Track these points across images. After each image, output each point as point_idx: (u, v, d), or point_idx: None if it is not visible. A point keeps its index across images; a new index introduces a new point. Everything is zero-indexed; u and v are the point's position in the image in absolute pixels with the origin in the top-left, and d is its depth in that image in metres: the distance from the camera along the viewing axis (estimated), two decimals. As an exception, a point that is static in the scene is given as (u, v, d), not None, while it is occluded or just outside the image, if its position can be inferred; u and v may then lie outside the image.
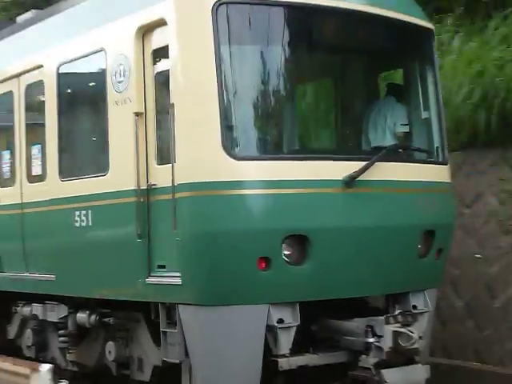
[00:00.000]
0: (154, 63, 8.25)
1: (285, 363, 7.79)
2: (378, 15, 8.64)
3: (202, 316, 7.77)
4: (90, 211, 8.95)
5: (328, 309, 8.30)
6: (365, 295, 8.35)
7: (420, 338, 8.58)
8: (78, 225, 9.13)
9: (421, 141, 9.23)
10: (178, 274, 7.86)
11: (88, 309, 9.36)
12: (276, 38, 8.10)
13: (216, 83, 7.57)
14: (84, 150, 9.68)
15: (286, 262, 7.73)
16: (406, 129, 9.23)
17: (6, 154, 10.78)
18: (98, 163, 8.93)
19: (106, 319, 9.13)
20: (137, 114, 8.26)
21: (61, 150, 9.55)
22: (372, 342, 7.89)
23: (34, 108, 10.24)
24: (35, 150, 10.11)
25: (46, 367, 9.03)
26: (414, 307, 8.76)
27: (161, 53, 8.11)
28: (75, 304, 9.59)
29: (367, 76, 9.58)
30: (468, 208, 11.52)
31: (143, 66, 8.31)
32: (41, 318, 10.25)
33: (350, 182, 7.91)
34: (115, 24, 8.65)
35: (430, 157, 9.15)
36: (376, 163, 8.09)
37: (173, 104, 7.80)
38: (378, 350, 7.86)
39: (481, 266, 10.94)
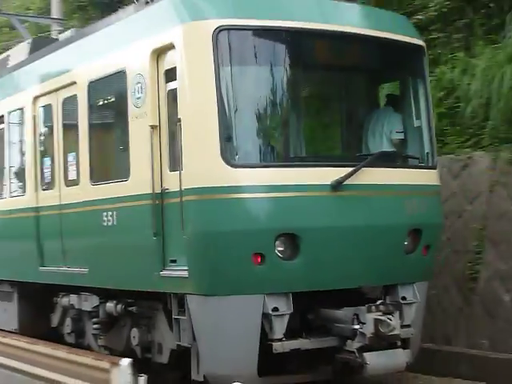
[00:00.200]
0: (167, 82, 9.31)
1: (279, 346, 8.81)
2: (371, 36, 9.62)
3: (206, 305, 8.84)
4: (115, 212, 10.10)
5: (327, 299, 9.30)
6: (352, 287, 9.25)
7: (409, 326, 9.61)
8: (105, 224, 10.28)
9: (413, 147, 10.14)
10: (185, 268, 8.94)
11: (115, 299, 10.52)
12: (271, 60, 9.18)
13: (216, 101, 8.64)
14: (110, 157, 10.83)
15: (279, 257, 8.76)
16: (401, 136, 10.18)
17: (48, 161, 11.99)
18: (121, 170, 10.05)
19: (130, 308, 10.27)
20: (152, 127, 9.35)
21: (91, 158, 10.72)
22: (357, 329, 8.86)
23: (70, 120, 11.42)
24: (71, 157, 11.28)
25: (126, 361, 8.88)
26: (404, 298, 9.66)
27: (171, 73, 9.18)
28: (105, 294, 10.74)
29: (360, 91, 10.56)
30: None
31: (157, 84, 9.40)
32: (77, 307, 11.44)
33: (337, 186, 8.89)
34: (134, 47, 9.76)
35: (418, 162, 10.05)
36: (364, 169, 9.07)
37: (180, 119, 8.90)
38: (361, 336, 8.83)
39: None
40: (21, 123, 12.72)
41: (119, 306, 10.37)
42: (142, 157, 9.50)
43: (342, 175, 8.90)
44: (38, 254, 12.09)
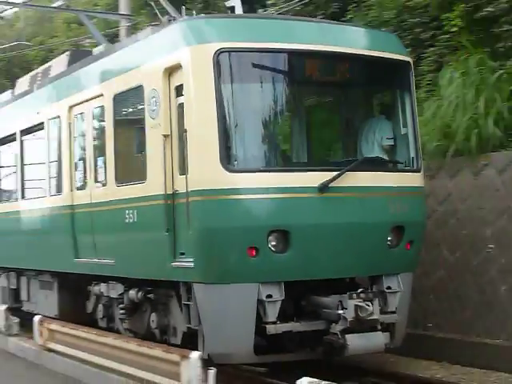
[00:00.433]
0: (177, 96, 10.60)
1: (272, 329, 10.07)
2: (361, 55, 10.85)
3: (209, 292, 10.13)
4: (135, 210, 11.45)
5: (322, 288, 10.52)
6: (337, 277, 10.45)
7: (393, 312, 10.80)
8: (127, 221, 11.63)
9: (400, 152, 11.30)
10: (191, 260, 10.25)
11: (137, 287, 11.87)
12: (265, 78, 10.49)
13: (216, 114, 9.92)
14: (131, 161, 12.16)
15: (272, 250, 10.01)
16: (392, 142, 11.35)
17: (81, 163, 13.39)
18: (140, 173, 11.38)
19: (149, 295, 11.62)
20: (165, 136, 10.65)
21: (116, 162, 12.10)
22: (340, 313, 10.08)
23: (98, 128, 12.80)
24: (100, 161, 12.68)
25: (195, 354, 9.09)
26: (389, 288, 10.84)
27: (180, 89, 10.49)
28: (129, 283, 12.10)
29: (349, 104, 11.76)
30: None
31: (169, 98, 10.70)
32: (106, 294, 12.83)
33: (323, 188, 10.12)
34: (150, 65, 11.09)
35: (404, 165, 11.22)
36: (348, 173, 10.28)
37: (186, 129, 10.21)
38: (344, 320, 10.04)
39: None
40: (58, 130, 14.12)
41: (140, 293, 11.72)
42: (157, 162, 10.81)
43: (328, 179, 10.11)
44: (74, 247, 13.44)
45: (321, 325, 10.35)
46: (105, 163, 12.45)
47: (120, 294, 12.32)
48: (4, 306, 14.96)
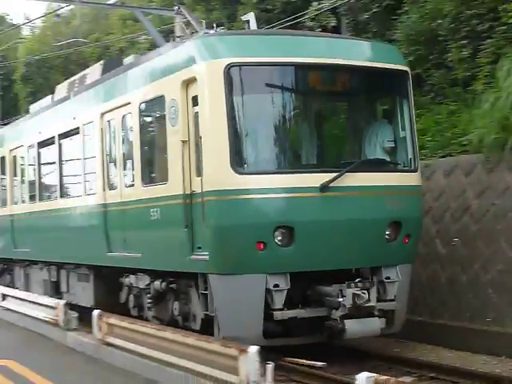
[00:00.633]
0: (193, 106, 11.76)
1: (279, 315, 11.20)
2: (360, 66, 11.94)
3: (222, 282, 11.29)
4: (158, 209, 12.64)
5: (328, 278, 11.60)
6: (338, 268, 11.52)
7: (392, 300, 11.85)
8: (152, 218, 12.82)
9: (399, 153, 12.34)
10: (207, 253, 11.42)
11: (161, 278, 13.06)
12: (271, 89, 11.67)
13: (226, 122, 11.07)
14: (155, 165, 13.34)
15: (278, 244, 11.14)
16: (392, 144, 12.39)
17: (112, 165, 14.61)
18: (163, 175, 12.57)
19: (172, 285, 12.80)
20: (183, 142, 11.81)
21: (142, 165, 13.31)
22: (340, 301, 11.18)
23: (126, 133, 14.01)
24: (128, 163, 13.89)
25: (254, 349, 9.07)
26: (388, 278, 11.90)
27: (196, 99, 11.64)
28: (155, 275, 13.29)
29: (351, 111, 12.85)
30: None
31: (187, 108, 11.86)
32: (135, 285, 14.05)
33: (324, 188, 11.22)
34: (170, 77, 12.25)
35: (403, 166, 12.26)
36: (348, 174, 11.36)
37: (201, 136, 11.38)
38: (343, 307, 11.15)
39: None
40: (92, 134, 15.37)
41: (163, 284, 12.91)
42: (176, 165, 11.98)
43: (328, 179, 11.22)
44: (106, 241, 14.64)
45: (323, 311, 11.45)
46: (132, 166, 13.64)
47: (147, 285, 13.52)
48: (63, 301, 15.09)
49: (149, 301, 13.61)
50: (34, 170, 19.10)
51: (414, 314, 13.73)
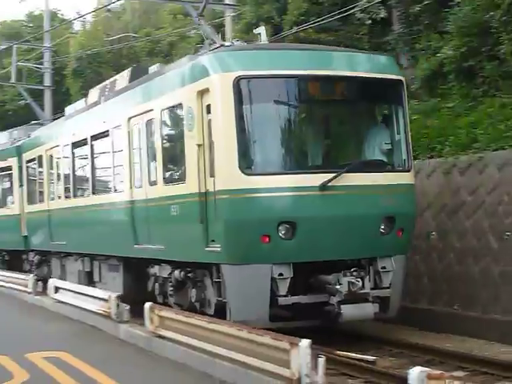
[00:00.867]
0: (207, 113, 13.12)
1: (283, 301, 12.56)
2: (358, 76, 13.21)
3: (233, 271, 12.66)
4: (178, 205, 14.04)
5: (331, 268, 12.89)
6: (336, 259, 12.81)
7: (388, 288, 13.13)
8: (172, 214, 14.21)
9: (395, 155, 13.61)
10: (219, 245, 12.79)
11: (181, 268, 14.46)
12: (275, 98, 12.97)
13: (235, 129, 12.43)
14: (174, 166, 14.71)
15: (281, 238, 12.47)
16: (389, 146, 13.67)
17: (138, 166, 16.02)
18: (181, 175, 13.95)
19: (189, 274, 14.20)
20: (198, 145, 13.16)
21: (163, 165, 14.71)
22: (337, 288, 12.50)
23: (150, 137, 15.40)
24: (152, 164, 15.29)
25: (305, 342, 9.00)
26: (383, 268, 13.19)
27: (209, 108, 13.00)
28: (176, 265, 14.68)
29: (350, 117, 14.13)
30: None
31: (202, 115, 13.20)
32: (158, 274, 15.48)
33: (323, 187, 12.53)
34: (187, 87, 13.63)
35: (397, 166, 13.53)
36: (345, 174, 12.67)
37: (213, 141, 12.75)
38: (340, 293, 12.47)
39: None
40: (120, 137, 16.80)
41: (182, 273, 14.31)
42: (193, 166, 13.35)
43: (327, 179, 12.54)
44: (133, 235, 16.05)
45: (323, 297, 12.78)
46: (155, 166, 15.05)
47: (169, 274, 14.92)
48: (115, 294, 15.13)
49: (170, 288, 15.00)
50: (69, 168, 20.56)
51: (468, 309, 14.44)
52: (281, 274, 12.52)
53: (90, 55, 36.81)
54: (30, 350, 12.97)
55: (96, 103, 19.03)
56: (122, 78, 18.31)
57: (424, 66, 19.47)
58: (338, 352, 12.48)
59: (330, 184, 12.57)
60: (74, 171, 20.38)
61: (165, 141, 14.78)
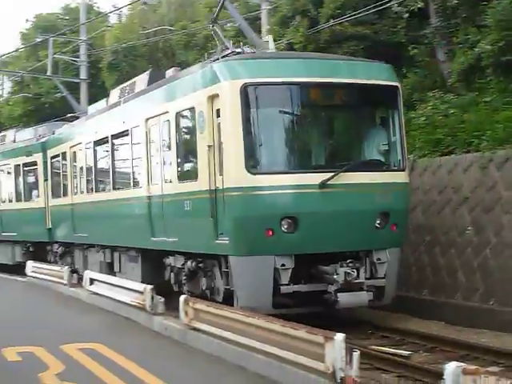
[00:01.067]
0: (217, 117, 14.28)
1: (285, 289, 13.71)
2: (357, 83, 14.33)
3: (240, 262, 13.82)
4: (190, 201, 15.22)
5: (329, 259, 14.03)
6: (334, 251, 13.90)
7: (383, 278, 14.24)
8: (185, 209, 15.39)
9: (391, 155, 14.72)
10: (227, 238, 13.96)
11: (192, 258, 15.65)
12: (279, 103, 14.12)
13: (242, 132, 13.58)
14: (187, 164, 15.88)
15: (284, 232, 13.62)
16: (386, 147, 14.77)
17: (155, 164, 17.19)
18: (193, 173, 15.12)
19: (200, 264, 15.39)
20: (209, 146, 14.33)
21: (177, 164, 15.90)
22: (334, 278, 13.64)
23: (166, 137, 16.59)
24: (167, 162, 16.46)
25: (340, 336, 8.96)
26: (379, 259, 14.30)
27: (218, 112, 14.16)
28: (188, 256, 15.87)
29: (349, 121, 15.27)
30: None
31: (212, 118, 14.37)
32: (173, 265, 16.69)
33: (323, 185, 13.66)
34: (199, 93, 14.79)
35: (393, 166, 14.64)
36: (343, 173, 13.79)
37: (222, 142, 13.92)
38: (336, 282, 13.61)
39: None
40: (138, 136, 17.99)
41: (194, 263, 15.51)
42: (204, 165, 14.52)
43: (326, 178, 13.67)
44: (150, 228, 17.25)
45: (321, 286, 13.91)
46: (170, 164, 16.24)
47: (182, 264, 16.11)
48: (150, 286, 15.13)
49: (184, 277, 16.21)
50: (91, 164, 21.79)
51: (504, 304, 14.54)
52: (283, 265, 13.65)
53: (126, 48, 36.50)
54: (65, 342, 13.15)
55: (116, 104, 20.23)
56: (141, 81, 19.49)
57: (461, 60, 19.59)
58: (373, 347, 12.99)
59: (329, 182, 13.69)
60: (95, 167, 21.59)
61: (179, 141, 15.95)
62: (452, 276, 16.01)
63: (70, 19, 43.88)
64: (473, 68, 19.30)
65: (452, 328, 14.73)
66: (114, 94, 21.44)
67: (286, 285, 13.72)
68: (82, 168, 22.70)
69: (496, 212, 15.40)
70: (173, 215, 16.18)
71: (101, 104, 22.83)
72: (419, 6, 20.98)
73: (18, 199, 28.90)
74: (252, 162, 13.69)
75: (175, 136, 16.00)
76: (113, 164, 20.15)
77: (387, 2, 21.29)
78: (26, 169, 28.28)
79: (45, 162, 26.65)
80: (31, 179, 28.26)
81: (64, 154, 24.45)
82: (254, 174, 13.61)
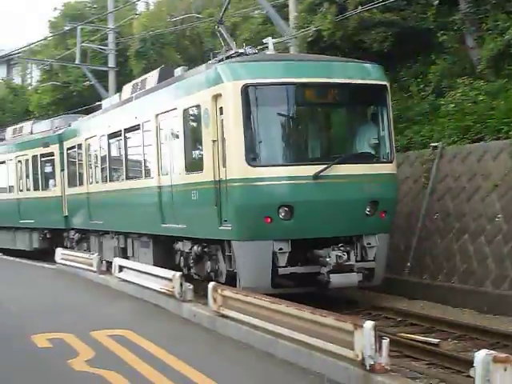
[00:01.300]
0: (220, 114, 15.61)
1: (282, 271, 15.06)
2: (350, 83, 15.68)
3: (241, 246, 15.18)
4: (197, 191, 16.59)
5: (323, 244, 15.36)
6: (327, 236, 15.23)
7: (372, 260, 15.59)
8: (192, 198, 16.77)
9: (380, 148, 16.05)
10: (230, 225, 15.33)
11: (199, 243, 17.04)
12: (276, 102, 15.45)
13: (242, 128, 14.94)
14: (193, 157, 17.23)
15: (281, 219, 14.96)
16: (376, 141, 16.11)
17: (165, 156, 18.57)
18: (199, 165, 16.46)
19: (205, 249, 16.78)
20: (213, 141, 15.68)
21: (185, 156, 17.27)
22: (327, 260, 15.00)
23: (175, 132, 17.94)
24: (176, 155, 17.82)
25: (369, 324, 8.89)
26: (369, 243, 15.63)
27: (221, 109, 15.50)
28: (195, 241, 17.26)
29: (341, 117, 16.63)
30: None
31: (216, 115, 15.70)
32: (182, 249, 18.09)
33: (316, 176, 15.00)
34: (204, 91, 16.13)
35: (381, 158, 15.98)
36: (335, 165, 15.13)
37: (224, 137, 15.29)
38: (329, 265, 14.97)
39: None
40: (149, 130, 19.38)
41: (200, 248, 16.91)
42: (209, 158, 15.88)
43: (319, 169, 15.02)
44: (161, 215, 18.60)
45: (316, 268, 15.25)
46: (178, 157, 17.62)
47: (189, 249, 17.50)
48: (179, 273, 15.36)
49: (191, 261, 17.59)
50: (105, 156, 23.16)
51: None
52: (281, 249, 14.99)
53: (153, 36, 36.21)
54: (94, 328, 13.29)
55: (129, 100, 21.60)
56: (152, 78, 20.84)
57: (490, 47, 19.31)
58: (402, 334, 13.15)
59: (322, 173, 15.01)
60: (109, 159, 22.95)
61: (186, 135, 17.30)
62: (482, 263, 16.01)
63: (97, 7, 43.75)
64: (502, 54, 19.12)
65: (482, 316, 14.81)
66: (127, 90, 22.78)
67: (284, 267, 15.05)
68: (96, 159, 24.04)
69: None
70: (181, 204, 17.53)
71: (114, 99, 24.20)
72: None
73: (36, 188, 30.12)
74: (252, 156, 15.03)
75: (183, 131, 17.34)
76: (126, 155, 21.51)
77: None
78: (43, 159, 29.47)
79: (61, 153, 27.89)
80: (48, 169, 29.35)
81: (80, 145, 25.78)
82: (254, 166, 14.95)
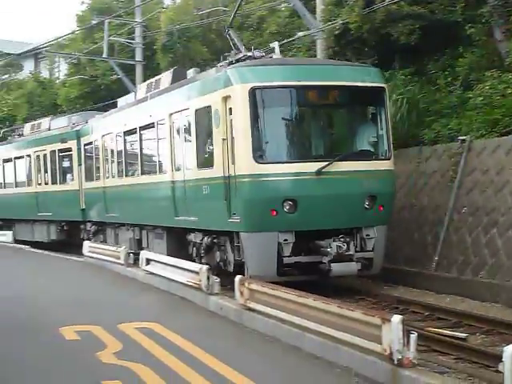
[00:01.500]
0: (229, 115, 16.77)
1: (287, 260, 16.18)
2: (351, 85, 16.81)
3: (249, 237, 16.33)
4: (208, 186, 17.77)
5: (325, 235, 16.50)
6: (329, 228, 16.35)
7: (371, 251, 16.73)
8: (204, 192, 17.95)
9: (379, 146, 17.19)
10: (239, 218, 16.47)
11: (209, 235, 18.23)
12: (281, 103, 16.60)
13: (250, 127, 16.09)
14: (205, 154, 18.37)
15: (286, 212, 16.10)
16: (375, 139, 17.25)
17: (178, 153, 19.74)
18: (210, 162, 17.62)
19: (215, 240, 17.94)
20: (223, 139, 16.83)
21: (196, 154, 18.44)
22: (328, 250, 16.16)
23: (187, 130, 19.10)
24: (188, 152, 18.99)
25: (397, 318, 8.84)
26: (368, 235, 16.76)
27: (230, 110, 16.66)
28: (206, 233, 18.44)
29: (343, 117, 17.78)
30: None
31: (226, 115, 16.85)
32: (194, 241, 19.26)
33: (319, 172, 16.14)
34: (214, 93, 17.29)
35: (380, 155, 17.11)
36: (336, 162, 16.28)
37: (234, 137, 16.46)
38: (330, 254, 16.12)
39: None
40: (163, 129, 20.56)
41: (210, 239, 18.08)
42: (219, 155, 17.04)
43: (321, 166, 16.17)
44: (174, 208, 19.76)
45: (318, 258, 16.40)
46: (191, 153, 18.80)
47: (201, 240, 18.68)
48: (206, 266, 15.62)
49: (202, 251, 18.78)
50: (121, 152, 24.34)
51: None
52: (285, 240, 16.11)
53: (180, 30, 35.98)
54: (122, 321, 13.38)
55: (144, 99, 22.79)
56: (165, 78, 22.03)
57: None
58: (429, 328, 13.07)
59: (324, 170, 16.14)
60: (125, 154, 24.11)
61: (198, 134, 18.48)
62: (510, 258, 15.92)
63: (125, 1, 43.62)
64: (531, 48, 18.83)
65: (510, 310, 14.69)
66: (142, 89, 23.99)
67: (288, 256, 16.18)
68: (113, 154, 25.21)
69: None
70: (193, 198, 18.70)
71: (130, 97, 25.40)
72: None
73: (54, 182, 31.27)
74: (259, 153, 16.17)
75: (195, 129, 18.52)
76: (141, 152, 22.70)
77: None
78: (61, 154, 30.60)
79: (79, 149, 29.04)
80: (66, 164, 30.49)
81: (96, 141, 26.99)
82: (261, 163, 16.10)
